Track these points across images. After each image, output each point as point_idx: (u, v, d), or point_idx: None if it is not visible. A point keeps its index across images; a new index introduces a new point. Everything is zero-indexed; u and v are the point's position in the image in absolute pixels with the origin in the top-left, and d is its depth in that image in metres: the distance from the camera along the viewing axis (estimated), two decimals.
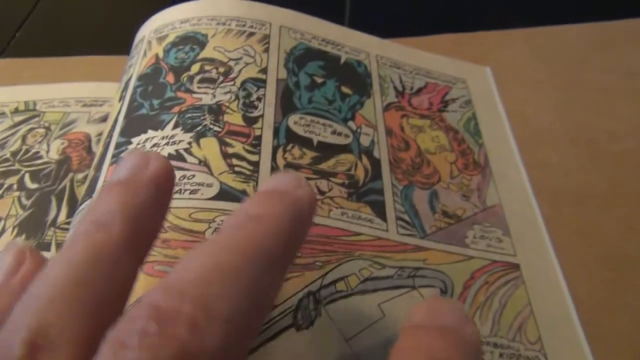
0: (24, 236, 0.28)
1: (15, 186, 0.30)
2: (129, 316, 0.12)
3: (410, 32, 0.37)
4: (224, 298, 0.13)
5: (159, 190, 0.16)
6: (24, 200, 0.29)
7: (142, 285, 0.19)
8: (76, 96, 0.35)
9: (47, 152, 0.32)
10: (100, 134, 0.31)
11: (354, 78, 0.29)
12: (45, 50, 0.40)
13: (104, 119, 0.32)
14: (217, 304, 0.12)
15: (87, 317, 0.13)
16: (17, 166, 0.31)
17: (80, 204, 0.24)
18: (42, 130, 0.33)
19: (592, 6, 0.40)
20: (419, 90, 0.31)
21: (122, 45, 0.34)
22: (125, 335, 0.12)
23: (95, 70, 0.37)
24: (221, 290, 0.13)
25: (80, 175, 0.30)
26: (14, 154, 0.32)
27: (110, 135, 0.25)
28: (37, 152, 0.32)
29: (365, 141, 0.26)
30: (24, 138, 0.32)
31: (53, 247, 0.27)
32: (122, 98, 0.27)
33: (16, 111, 0.34)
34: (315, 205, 0.17)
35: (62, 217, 0.28)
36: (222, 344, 0.12)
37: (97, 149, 0.27)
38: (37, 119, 0.33)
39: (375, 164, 0.26)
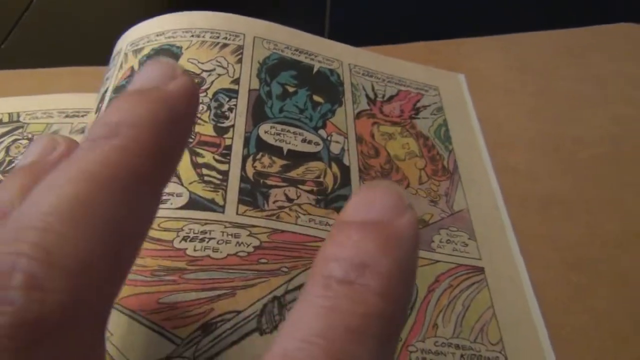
0: None
1: None
2: None
3: (391, 41, 0.38)
4: (70, 240, 0.10)
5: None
6: None
7: None
8: (59, 107, 0.35)
9: None
10: None
11: (326, 87, 0.30)
12: (32, 61, 0.40)
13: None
14: (60, 250, 0.10)
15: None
16: (0, 178, 0.32)
17: None
18: (25, 142, 0.33)
19: (564, 12, 0.41)
20: (391, 98, 0.31)
21: (108, 55, 0.34)
22: None
23: (79, 81, 0.38)
24: (65, 232, 0.10)
25: None
26: None
27: None
28: None
29: (335, 149, 0.27)
30: (7, 150, 0.33)
31: None
32: (98, 110, 0.28)
33: (0, 123, 0.35)
34: (195, 99, 0.14)
35: None
36: (70, 300, 0.10)
37: None
38: (20, 130, 0.34)
39: (345, 171, 0.27)
